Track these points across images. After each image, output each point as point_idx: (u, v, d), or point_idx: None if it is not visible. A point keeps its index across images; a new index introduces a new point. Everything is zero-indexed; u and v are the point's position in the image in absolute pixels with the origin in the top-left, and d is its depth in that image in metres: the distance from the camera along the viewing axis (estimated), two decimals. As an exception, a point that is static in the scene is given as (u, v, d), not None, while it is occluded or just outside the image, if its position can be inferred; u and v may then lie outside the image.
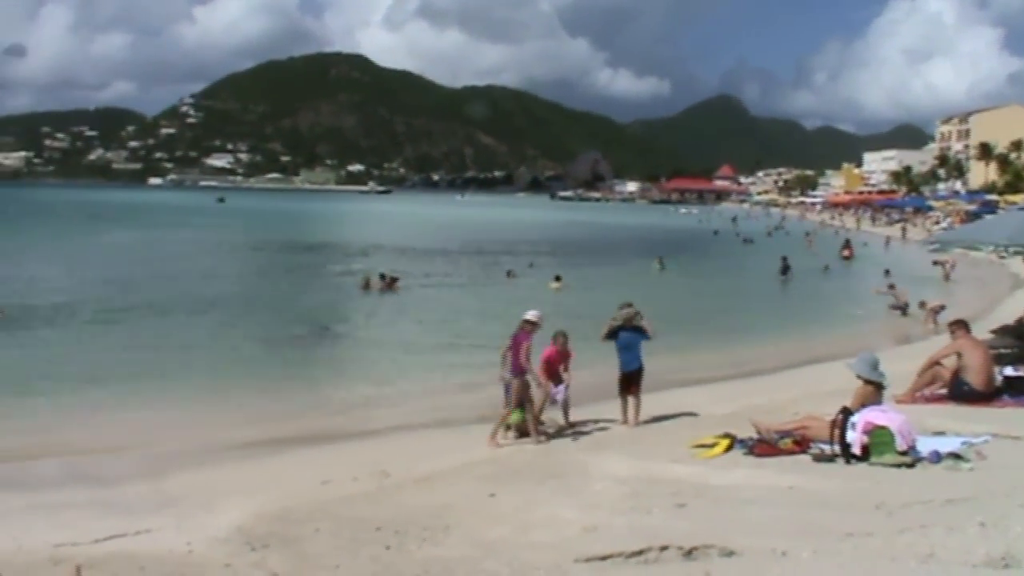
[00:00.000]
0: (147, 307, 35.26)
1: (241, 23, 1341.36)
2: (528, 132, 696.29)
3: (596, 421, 17.66)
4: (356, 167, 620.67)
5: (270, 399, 21.50)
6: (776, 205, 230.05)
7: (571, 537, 10.46)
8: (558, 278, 46.26)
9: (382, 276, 42.63)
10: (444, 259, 64.56)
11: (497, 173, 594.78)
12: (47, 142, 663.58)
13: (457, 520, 11.29)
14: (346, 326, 31.42)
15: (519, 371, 16.21)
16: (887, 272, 47.31)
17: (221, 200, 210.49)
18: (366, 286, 41.88)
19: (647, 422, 17.40)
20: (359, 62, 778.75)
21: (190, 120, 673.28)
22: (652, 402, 18.43)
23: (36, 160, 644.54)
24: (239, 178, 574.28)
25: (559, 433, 16.82)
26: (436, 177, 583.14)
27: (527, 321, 16.73)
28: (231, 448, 16.42)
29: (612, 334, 17.37)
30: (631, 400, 17.41)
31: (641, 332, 17.38)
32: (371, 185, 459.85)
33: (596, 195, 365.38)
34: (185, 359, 25.33)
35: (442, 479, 13.52)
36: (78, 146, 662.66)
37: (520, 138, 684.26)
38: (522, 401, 16.39)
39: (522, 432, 16.52)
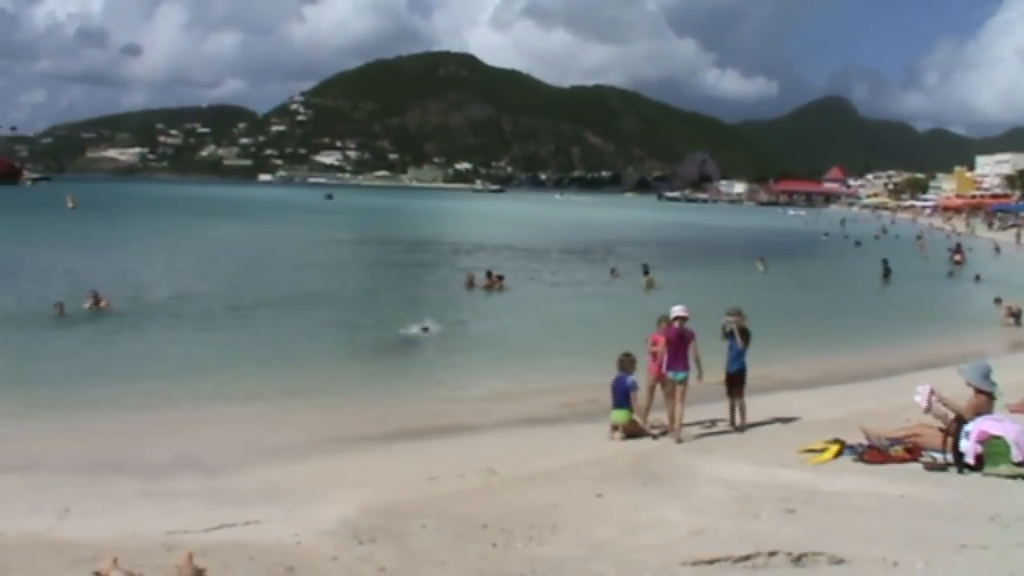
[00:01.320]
0: (254, 301, 35.69)
1: (350, 22, 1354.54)
2: (635, 132, 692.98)
3: (701, 422, 17.55)
4: (463, 165, 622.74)
5: (376, 394, 21.69)
6: (886, 208, 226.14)
7: (678, 540, 10.40)
8: (647, 272, 46.36)
9: (488, 274, 42.62)
10: (549, 258, 64.39)
11: (604, 173, 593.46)
12: (161, 138, 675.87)
13: (564, 519, 11.28)
14: (451, 323, 31.41)
15: (685, 367, 16.29)
16: (977, 277, 46.74)
17: (329, 197, 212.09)
18: (470, 284, 41.91)
19: (754, 425, 17.27)
20: (467, 61, 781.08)
21: (300, 118, 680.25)
22: (758, 405, 18.26)
23: (150, 156, 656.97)
24: (347, 175, 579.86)
25: (664, 433, 16.75)
26: (543, 176, 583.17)
27: (678, 317, 16.75)
28: (338, 441, 16.55)
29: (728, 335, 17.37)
30: (736, 402, 17.32)
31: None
32: (479, 184, 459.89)
33: (703, 196, 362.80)
34: (292, 353, 25.59)
35: (549, 478, 13.51)
36: (191, 143, 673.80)
37: (627, 138, 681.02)
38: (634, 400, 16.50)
39: (629, 433, 16.47)
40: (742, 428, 17.16)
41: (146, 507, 12.16)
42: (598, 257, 63.67)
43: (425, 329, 28.88)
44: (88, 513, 11.87)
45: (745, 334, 17.32)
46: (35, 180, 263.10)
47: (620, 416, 16.61)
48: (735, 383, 17.28)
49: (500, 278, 42.12)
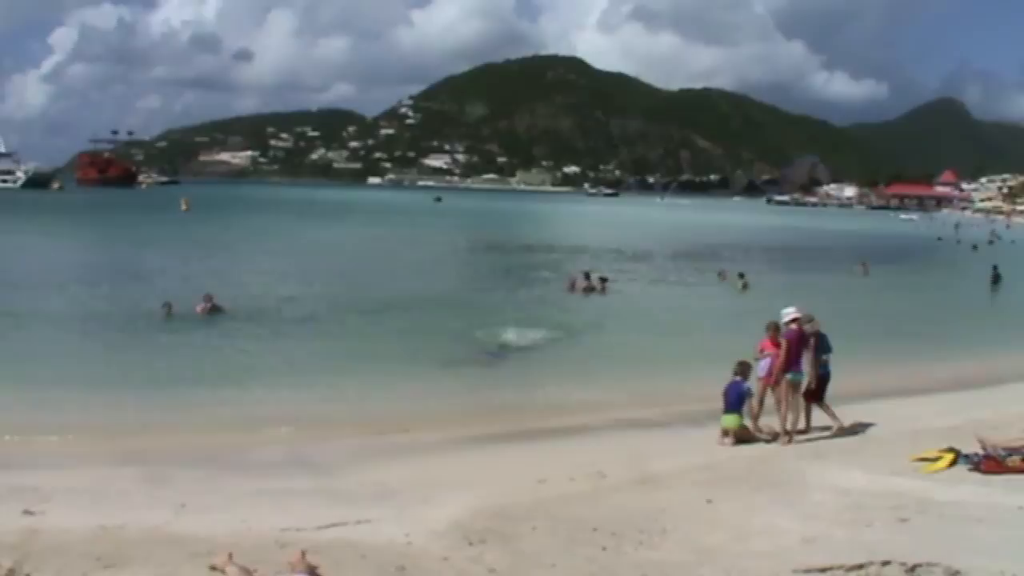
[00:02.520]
0: (363, 303, 36.01)
1: (457, 26, 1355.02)
2: (744, 135, 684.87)
3: (812, 428, 17.37)
4: (572, 169, 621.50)
5: (483, 397, 21.78)
6: (1000, 212, 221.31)
7: (789, 547, 10.31)
8: (741, 275, 46.10)
9: (587, 276, 42.50)
10: (653, 261, 64.13)
11: (713, 177, 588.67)
12: (272, 142, 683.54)
13: (674, 524, 11.23)
14: (556, 327, 31.36)
15: (798, 369, 16.22)
16: None
17: (438, 199, 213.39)
18: (572, 287, 41.83)
19: (866, 432, 17.03)
20: (575, 65, 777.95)
21: (409, 121, 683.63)
22: (868, 412, 18.08)
23: (261, 159, 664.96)
24: (456, 178, 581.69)
25: (775, 439, 16.61)
26: (651, 180, 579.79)
27: (794, 319, 16.69)
28: (447, 443, 16.67)
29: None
30: (810, 408, 17.19)
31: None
32: (588, 187, 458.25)
33: (813, 200, 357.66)
34: (398, 354, 25.75)
35: (659, 482, 13.46)
36: (301, 146, 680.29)
37: (736, 141, 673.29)
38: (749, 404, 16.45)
39: (739, 438, 16.36)
40: (805, 432, 16.94)
41: (260, 504, 12.35)
42: (702, 260, 63.21)
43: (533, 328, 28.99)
44: (204, 508, 12.09)
45: (820, 340, 17.12)
46: (163, 183, 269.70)
47: (731, 421, 16.51)
48: (816, 390, 17.09)
49: (603, 280, 41.92)
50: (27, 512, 11.73)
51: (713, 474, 13.92)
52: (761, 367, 17.36)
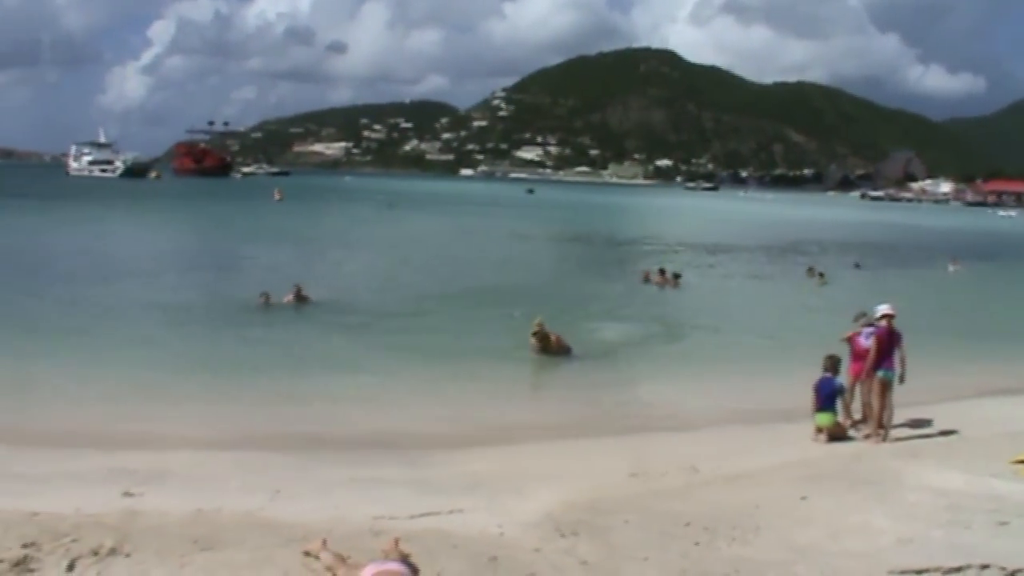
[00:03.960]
0: (451, 293, 36.42)
1: (549, 19, 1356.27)
2: (838, 129, 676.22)
3: (907, 425, 17.16)
4: (664, 162, 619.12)
5: (573, 389, 21.82)
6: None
7: (885, 547, 10.20)
8: (821, 274, 45.64)
9: (661, 271, 42.24)
10: (741, 255, 63.53)
11: (806, 171, 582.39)
12: (365, 133, 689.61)
13: (767, 521, 11.15)
14: (643, 319, 31.21)
15: (890, 367, 16.07)
16: None
17: (530, 192, 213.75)
18: (646, 279, 41.62)
19: (961, 432, 16.76)
20: (668, 57, 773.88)
21: (501, 113, 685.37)
22: (964, 412, 17.87)
23: (355, 150, 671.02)
24: (548, 171, 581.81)
25: (867, 436, 16.44)
26: (744, 174, 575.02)
27: (886, 315, 16.54)
28: (539, 436, 16.65)
29: None
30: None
31: None
32: (679, 180, 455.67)
33: (908, 195, 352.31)
34: (486, 346, 25.72)
35: (752, 478, 13.36)
36: (394, 137, 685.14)
37: (830, 135, 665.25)
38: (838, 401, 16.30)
39: (833, 435, 16.20)
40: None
41: (353, 492, 12.45)
42: (788, 255, 62.64)
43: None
44: (297, 495, 12.23)
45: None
46: (272, 174, 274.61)
47: (825, 419, 16.34)
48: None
49: (676, 276, 41.71)
50: (127, 494, 11.97)
51: (807, 471, 13.78)
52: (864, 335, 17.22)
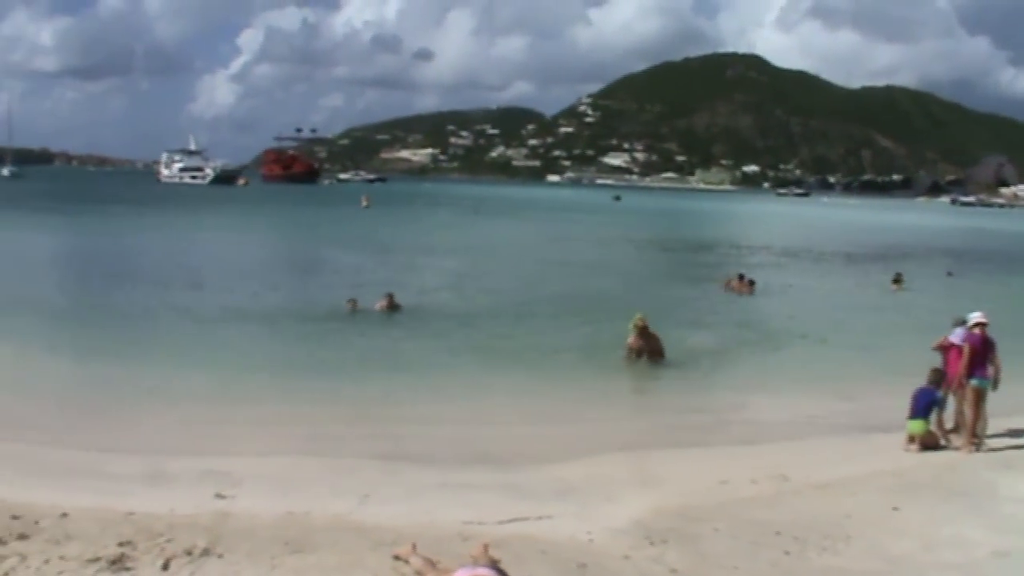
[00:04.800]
0: (540, 300, 36.40)
1: (635, 24, 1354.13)
2: (927, 134, 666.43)
3: (1002, 435, 16.88)
4: (751, 168, 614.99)
5: (661, 396, 21.80)
6: None
7: (979, 560, 10.08)
8: (897, 280, 44.82)
9: (741, 276, 41.92)
10: (830, 261, 62.79)
11: (895, 177, 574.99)
12: (452, 140, 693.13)
13: (858, 531, 11.04)
14: (728, 326, 31.03)
15: (983, 375, 15.91)
16: None
17: (617, 198, 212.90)
18: (727, 287, 41.28)
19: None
20: (755, 62, 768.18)
21: (587, 119, 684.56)
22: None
23: (441, 157, 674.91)
24: (634, 177, 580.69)
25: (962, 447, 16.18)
26: (832, 180, 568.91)
27: (979, 323, 16.34)
28: (628, 443, 16.56)
29: None
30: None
31: None
32: (767, 186, 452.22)
33: (999, 201, 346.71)
34: (574, 352, 25.65)
35: (842, 487, 13.21)
36: (480, 144, 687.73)
37: (919, 140, 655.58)
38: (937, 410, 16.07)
39: (925, 445, 15.98)
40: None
41: (442, 497, 12.52)
42: (875, 262, 61.77)
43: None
44: (387, 499, 12.32)
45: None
46: (370, 181, 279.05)
47: (917, 426, 16.11)
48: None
49: (751, 283, 41.34)
50: (219, 496, 12.15)
51: (899, 481, 13.60)
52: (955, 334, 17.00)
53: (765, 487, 13.28)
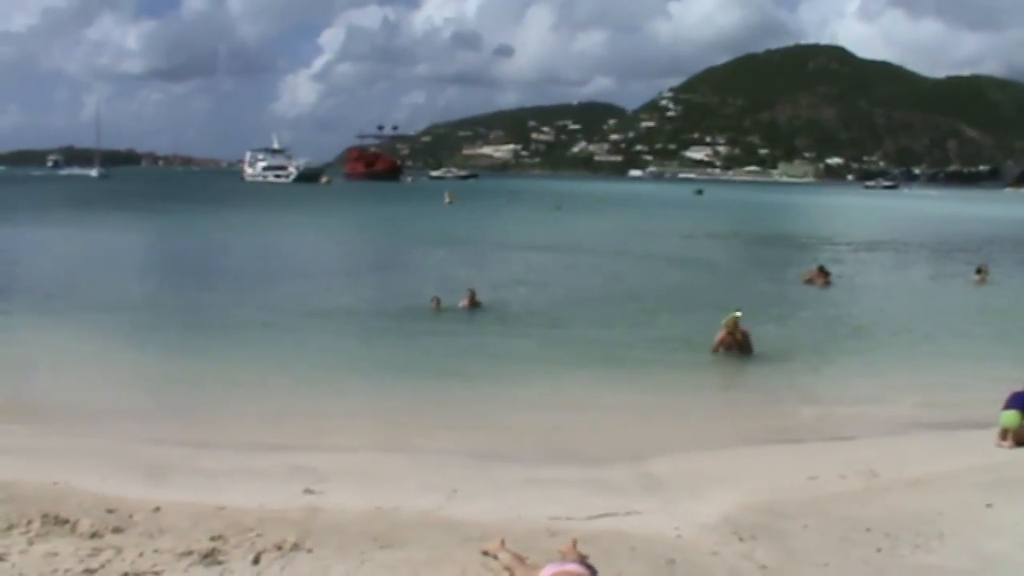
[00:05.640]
0: (624, 295, 36.46)
1: (715, 17, 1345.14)
2: (1016, 124, 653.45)
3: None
4: (835, 160, 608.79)
5: (746, 391, 21.72)
6: None
7: (1082, 560, 9.86)
8: (980, 270, 43.89)
9: (821, 268, 41.46)
10: (915, 254, 61.80)
11: (982, 167, 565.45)
12: (533, 135, 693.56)
13: (951, 528, 10.84)
14: (812, 320, 30.77)
15: None
16: None
17: (699, 192, 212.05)
18: (809, 280, 40.81)
19: None
20: (837, 53, 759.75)
21: (669, 113, 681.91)
22: None
23: (523, 152, 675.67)
24: (717, 170, 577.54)
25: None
26: (917, 171, 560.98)
27: None
28: (714, 438, 16.52)
29: None
30: None
31: None
32: (850, 178, 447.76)
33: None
34: (660, 347, 25.55)
35: (934, 484, 12.97)
36: (562, 139, 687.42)
37: (1007, 130, 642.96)
38: None
39: (1019, 440, 15.66)
40: None
41: (529, 492, 12.49)
42: (958, 254, 60.74)
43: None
44: (474, 495, 12.32)
45: None
46: (462, 178, 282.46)
47: (1011, 419, 15.72)
48: None
49: (827, 274, 40.83)
50: (308, 491, 12.23)
51: (992, 477, 13.31)
52: None
53: (854, 483, 13.08)
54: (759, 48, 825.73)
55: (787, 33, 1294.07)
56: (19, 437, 15.79)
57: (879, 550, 10.10)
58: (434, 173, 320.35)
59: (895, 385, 21.65)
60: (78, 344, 24.96)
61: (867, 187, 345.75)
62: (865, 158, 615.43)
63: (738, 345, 23.73)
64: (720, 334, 23.71)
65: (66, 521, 10.47)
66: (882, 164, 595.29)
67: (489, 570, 9.33)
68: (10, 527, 10.23)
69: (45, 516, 10.57)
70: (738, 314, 23.96)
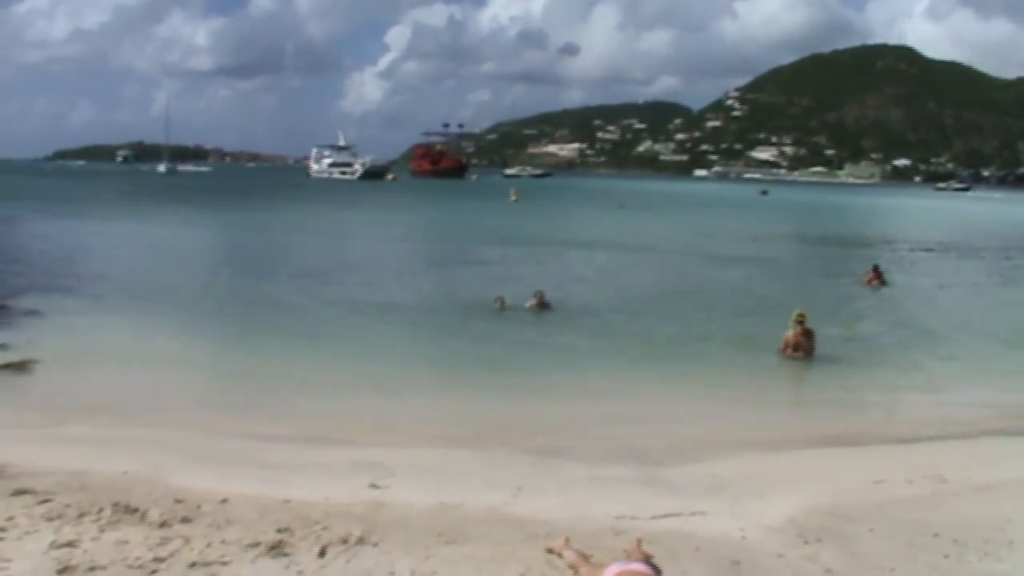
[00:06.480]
0: (691, 296, 36.18)
1: (781, 16, 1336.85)
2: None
3: None
4: (902, 162, 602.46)
5: (812, 393, 21.61)
6: None
7: None
8: None
9: (875, 269, 41.07)
10: (983, 256, 60.91)
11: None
12: (599, 134, 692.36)
13: (1021, 536, 10.70)
14: (875, 323, 30.50)
15: None
16: None
17: (764, 193, 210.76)
18: (868, 282, 40.33)
19: None
20: (905, 53, 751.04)
21: (735, 113, 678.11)
22: None
23: (588, 151, 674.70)
24: (782, 171, 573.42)
25: None
26: (986, 173, 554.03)
27: None
28: (778, 440, 16.39)
29: None
30: None
31: None
32: (918, 180, 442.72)
33: None
34: (727, 349, 25.37)
35: (1003, 490, 12.79)
36: (627, 138, 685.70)
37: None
38: None
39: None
40: None
41: (593, 491, 12.49)
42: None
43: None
44: (539, 493, 12.33)
45: None
46: (536, 176, 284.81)
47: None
48: None
49: (880, 274, 40.44)
50: (373, 485, 12.30)
51: (1066, 483, 13.16)
52: None
53: (921, 487, 12.95)
54: (826, 48, 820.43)
55: (854, 32, 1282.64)
56: (89, 428, 16.05)
57: (946, 556, 10.01)
58: (508, 171, 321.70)
59: (962, 388, 21.52)
60: (146, 337, 25.24)
61: (938, 189, 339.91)
62: (933, 160, 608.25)
63: (806, 347, 23.59)
64: (789, 334, 23.58)
65: (136, 510, 10.65)
66: (950, 166, 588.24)
67: (553, 568, 9.35)
68: (81, 515, 10.41)
69: (115, 505, 10.77)
70: (800, 311, 23.83)
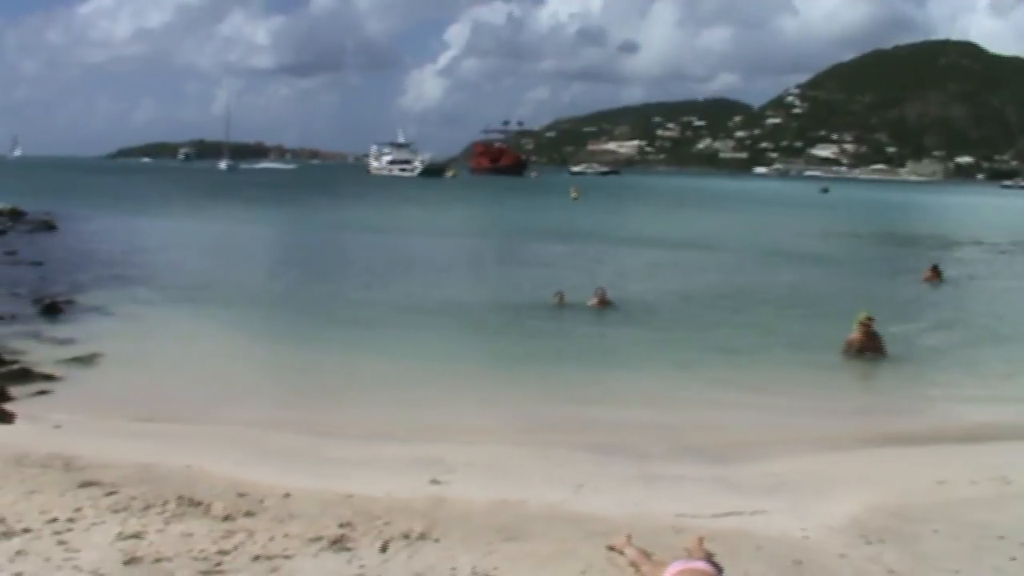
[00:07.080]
0: (749, 294, 35.99)
1: (841, 12, 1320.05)
2: None
3: None
4: (964, 159, 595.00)
5: (875, 393, 21.48)
6: None
7: None
8: None
9: (935, 267, 40.71)
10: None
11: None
12: (658, 132, 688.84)
13: (1088, 539, 10.57)
14: (941, 321, 30.15)
15: None
16: None
17: (825, 191, 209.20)
18: (928, 279, 39.97)
19: None
20: (968, 49, 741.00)
21: (795, 110, 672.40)
22: None
23: (648, 148, 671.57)
24: (843, 168, 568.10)
25: None
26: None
27: None
28: (840, 439, 16.26)
29: None
30: None
31: None
32: (981, 177, 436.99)
33: None
34: (791, 347, 25.22)
35: (1069, 492, 12.66)
36: (687, 135, 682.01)
37: None
38: None
39: None
40: None
41: (654, 489, 12.50)
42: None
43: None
44: (599, 490, 12.35)
45: None
46: (603, 174, 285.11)
47: None
48: None
49: (939, 272, 40.07)
50: (434, 481, 12.39)
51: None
52: None
53: (985, 489, 12.80)
54: (887, 44, 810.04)
55: (916, 28, 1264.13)
56: (154, 422, 16.22)
57: (1013, 559, 9.89)
58: (575, 168, 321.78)
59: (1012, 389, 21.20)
60: (209, 333, 25.60)
61: (1004, 187, 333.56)
62: (996, 157, 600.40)
63: (871, 346, 23.39)
64: (853, 333, 23.41)
65: (200, 503, 10.81)
66: (1014, 163, 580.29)
67: (614, 565, 9.35)
68: (147, 507, 10.57)
69: (180, 498, 10.93)
70: (866, 312, 23.64)
